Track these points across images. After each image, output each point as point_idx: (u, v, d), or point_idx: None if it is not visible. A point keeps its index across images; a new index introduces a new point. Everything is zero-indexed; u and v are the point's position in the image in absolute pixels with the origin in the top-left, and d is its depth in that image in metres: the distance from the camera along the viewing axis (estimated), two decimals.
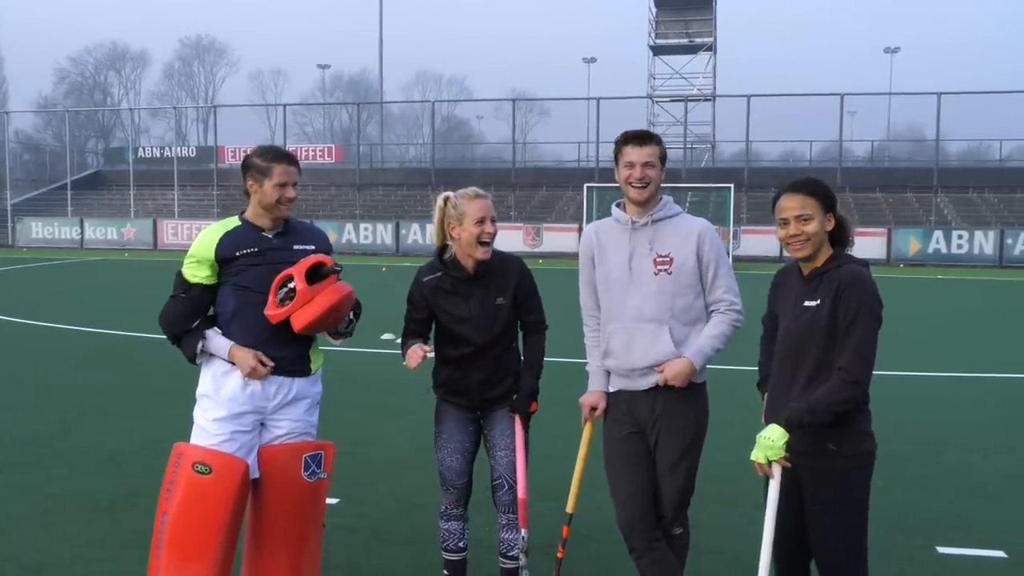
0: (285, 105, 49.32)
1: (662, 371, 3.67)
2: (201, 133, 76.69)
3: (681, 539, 3.87)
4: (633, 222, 3.75)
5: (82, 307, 16.59)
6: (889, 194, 37.57)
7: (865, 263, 3.30)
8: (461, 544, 4.17)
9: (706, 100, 40.36)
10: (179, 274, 3.86)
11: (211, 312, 3.90)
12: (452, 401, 4.09)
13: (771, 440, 3.12)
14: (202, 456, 3.69)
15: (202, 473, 3.66)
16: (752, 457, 3.18)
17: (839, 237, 3.34)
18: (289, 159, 3.83)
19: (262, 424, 3.84)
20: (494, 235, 3.89)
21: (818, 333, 3.22)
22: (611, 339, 3.80)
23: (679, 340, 3.70)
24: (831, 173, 36.83)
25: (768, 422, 3.38)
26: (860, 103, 45.15)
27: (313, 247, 3.91)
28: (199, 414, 3.83)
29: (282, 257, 3.80)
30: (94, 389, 9.35)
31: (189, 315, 3.81)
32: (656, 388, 3.71)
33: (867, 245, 31.46)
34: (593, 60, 71.45)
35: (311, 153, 43.14)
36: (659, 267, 3.69)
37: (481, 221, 3.84)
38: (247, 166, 3.83)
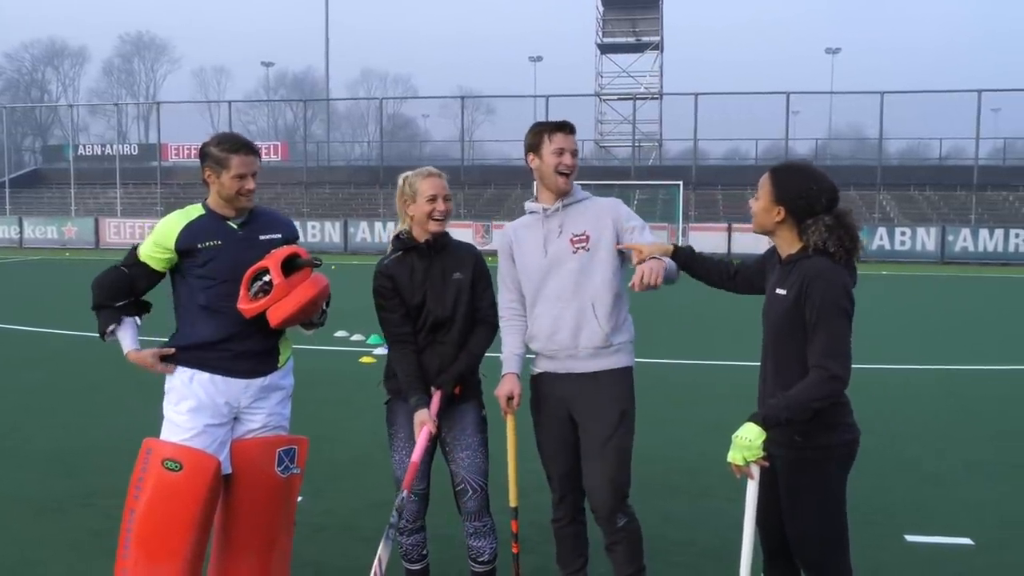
0: (231, 102, 48.51)
1: (640, 277, 3.46)
2: (142, 131, 75.29)
3: (627, 529, 3.74)
4: (545, 209, 3.80)
5: (20, 306, 16.12)
6: None
7: (840, 259, 3.14)
8: (424, 552, 4.04)
9: (653, 98, 40.65)
10: (134, 248, 3.75)
11: (146, 299, 3.81)
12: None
13: (748, 440, 3.00)
14: (172, 452, 3.55)
15: (172, 470, 3.52)
16: (729, 458, 3.05)
17: (815, 245, 3.15)
18: (248, 148, 3.69)
19: (235, 418, 3.72)
20: (447, 212, 3.84)
21: (783, 321, 3.18)
22: (535, 322, 3.81)
23: (603, 313, 3.70)
24: None
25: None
26: (802, 103, 45.60)
27: (279, 235, 3.80)
28: (169, 408, 3.69)
29: (248, 248, 3.68)
30: (36, 388, 9.09)
31: (121, 291, 3.70)
32: (581, 373, 3.72)
33: None
34: (539, 59, 71.45)
35: None
36: (576, 246, 3.73)
37: (433, 199, 3.80)
38: (204, 155, 3.69)
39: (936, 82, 65.86)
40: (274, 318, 3.58)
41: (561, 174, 3.72)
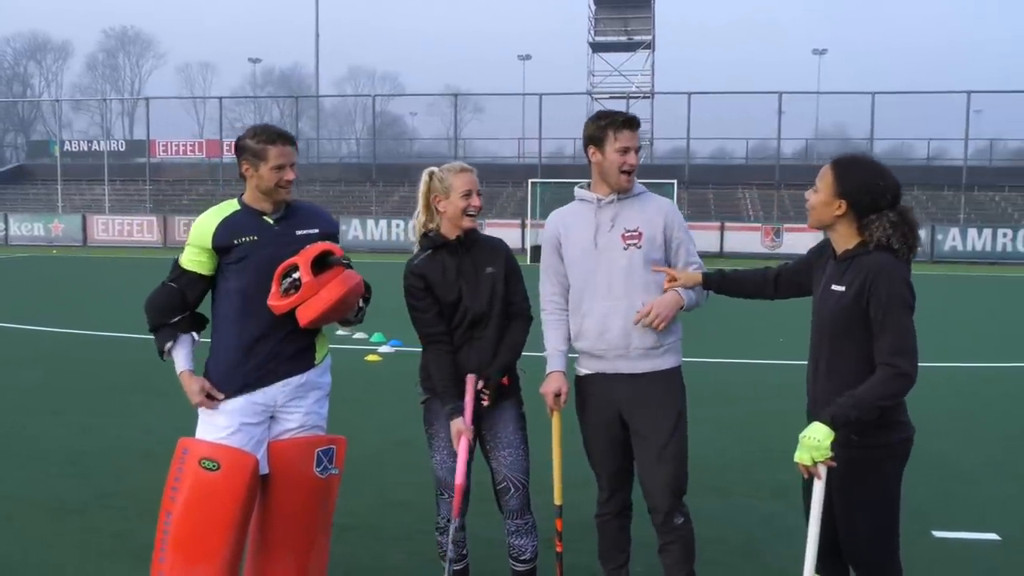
0: (221, 98, 48.21)
1: (648, 311, 3.56)
2: (127, 127, 74.96)
3: (684, 528, 3.72)
4: (599, 199, 3.73)
5: (12, 304, 15.95)
6: None
7: (903, 255, 3.08)
8: (464, 552, 3.97)
9: (645, 97, 40.67)
10: (176, 260, 3.67)
11: (199, 308, 3.73)
12: None
13: (816, 440, 2.93)
14: (209, 451, 3.47)
15: (209, 469, 3.44)
16: (796, 459, 2.98)
17: (879, 241, 3.08)
18: (285, 138, 3.61)
19: (272, 417, 3.65)
20: (480, 208, 3.81)
21: (840, 318, 3.11)
22: (584, 320, 3.73)
23: None
24: (769, 171, 37.54)
25: (809, 411, 3.28)
26: (789, 103, 45.84)
27: (317, 230, 3.71)
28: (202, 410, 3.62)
29: (285, 243, 3.59)
30: (36, 388, 8.98)
31: (174, 307, 3.62)
32: (632, 373, 3.66)
33: (805, 240, 32.09)
34: (528, 57, 71.45)
35: None
36: (628, 242, 3.65)
37: (468, 194, 3.75)
38: (241, 148, 3.61)
39: (912, 83, 66.10)
40: (303, 317, 3.50)
41: (624, 172, 3.65)
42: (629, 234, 3.66)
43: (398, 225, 34.63)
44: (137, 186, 41.80)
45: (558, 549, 3.96)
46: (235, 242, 3.55)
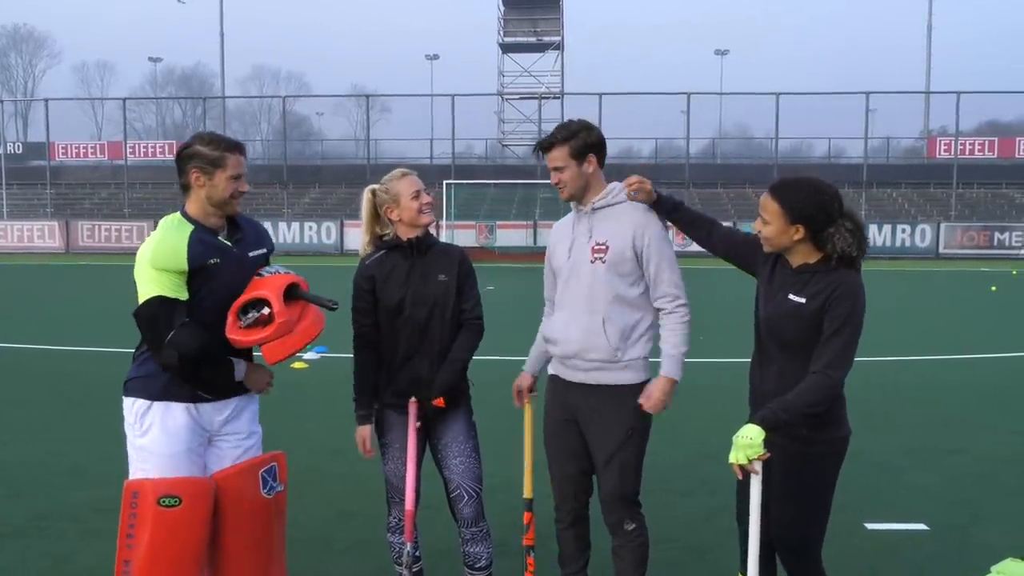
0: (125, 99, 46.80)
1: (646, 399, 3.65)
2: (20, 129, 72.17)
3: (635, 535, 3.73)
4: (580, 210, 3.79)
5: None
6: (729, 189, 39.20)
7: (859, 261, 3.23)
8: (417, 553, 3.98)
9: (555, 98, 41.00)
10: (158, 301, 3.24)
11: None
12: (398, 404, 3.84)
13: (750, 439, 3.01)
14: (167, 488, 3.28)
15: (171, 507, 3.26)
16: (731, 459, 3.04)
17: (842, 252, 3.19)
18: (241, 148, 3.49)
19: (209, 441, 3.52)
20: (432, 204, 3.93)
21: (800, 327, 3.20)
22: (551, 326, 3.82)
23: (613, 331, 3.62)
24: (676, 170, 38.23)
25: (751, 405, 3.40)
26: (692, 103, 46.77)
27: (265, 250, 3.63)
28: (137, 438, 3.40)
29: (243, 267, 3.45)
30: None
31: (207, 338, 3.30)
32: (586, 384, 3.71)
33: None
34: (436, 57, 71.34)
35: (150, 150, 41.49)
36: (595, 255, 3.66)
37: (417, 195, 3.83)
38: (190, 156, 3.39)
39: (804, 85, 67.67)
40: (274, 354, 3.36)
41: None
42: (598, 247, 3.66)
43: (311, 227, 34.18)
44: (36, 190, 40.30)
45: (525, 543, 3.98)
46: (208, 262, 3.33)
